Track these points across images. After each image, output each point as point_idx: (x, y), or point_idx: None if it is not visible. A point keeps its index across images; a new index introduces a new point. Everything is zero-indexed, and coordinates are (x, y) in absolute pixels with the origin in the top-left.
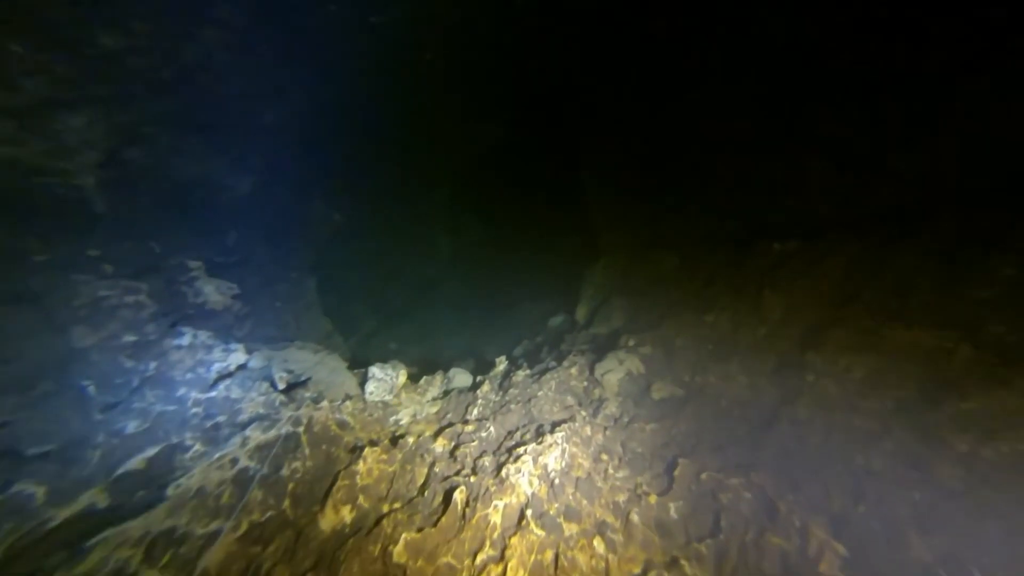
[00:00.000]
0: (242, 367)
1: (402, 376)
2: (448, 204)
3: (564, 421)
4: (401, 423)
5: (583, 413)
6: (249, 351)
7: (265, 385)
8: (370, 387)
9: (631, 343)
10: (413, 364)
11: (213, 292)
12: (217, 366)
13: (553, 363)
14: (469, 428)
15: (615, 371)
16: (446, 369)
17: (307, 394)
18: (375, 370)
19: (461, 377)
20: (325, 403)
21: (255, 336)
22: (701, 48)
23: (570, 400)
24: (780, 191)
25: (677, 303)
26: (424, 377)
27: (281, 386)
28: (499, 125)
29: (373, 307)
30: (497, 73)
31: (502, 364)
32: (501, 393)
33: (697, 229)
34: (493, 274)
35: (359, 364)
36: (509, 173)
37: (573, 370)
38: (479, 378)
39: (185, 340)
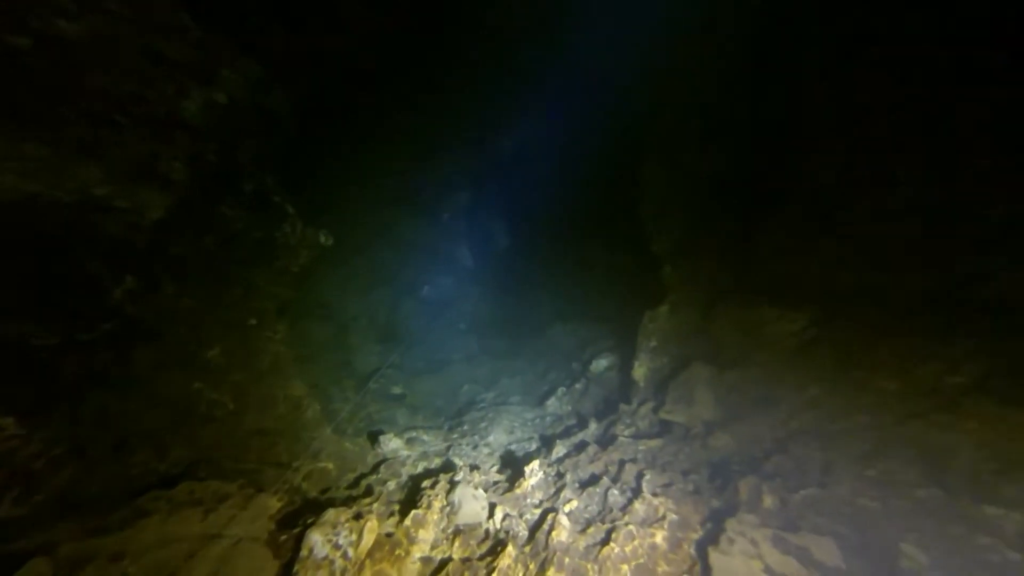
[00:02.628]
0: None
1: (369, 533)
2: (471, 209)
3: None
4: None
5: None
6: None
7: None
8: None
9: (766, 501)
10: (418, 412)
11: None
12: None
13: (616, 493)
14: None
15: None
16: (448, 472)
17: None
18: (316, 540)
19: (469, 507)
20: None
21: (58, 507)
22: None
23: None
24: None
25: (845, 424)
26: (412, 512)
27: None
28: (533, 118)
29: (377, 338)
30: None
31: (533, 477)
32: (534, 569)
33: (845, 277)
34: (521, 290)
35: (334, 437)
36: (542, 170)
37: (659, 538)
38: (499, 518)
39: None
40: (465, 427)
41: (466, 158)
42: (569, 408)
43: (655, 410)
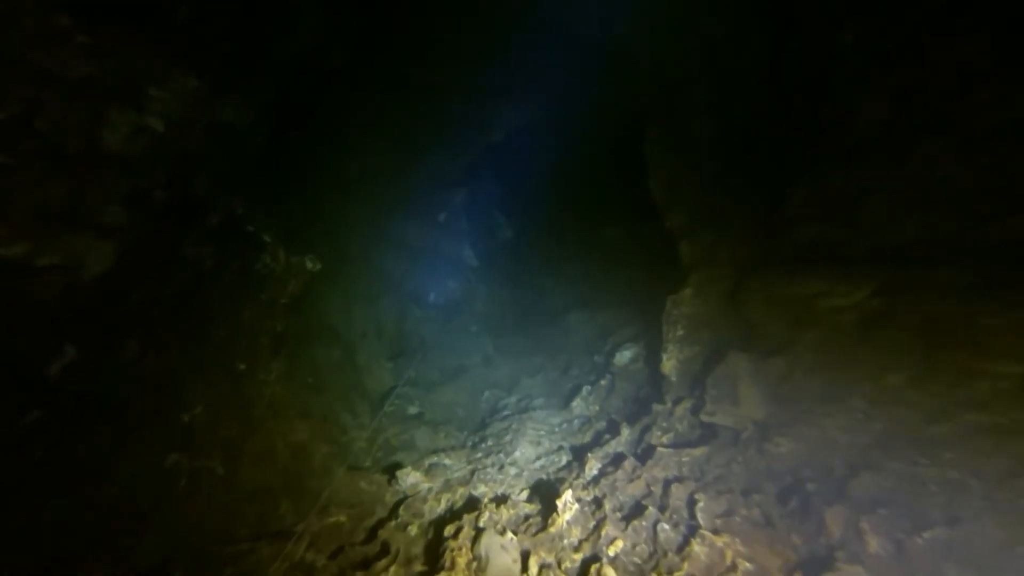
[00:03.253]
0: None
1: None
2: (469, 204)
3: None
4: None
5: None
6: None
7: None
8: None
9: (872, 544)
10: (438, 430)
11: None
12: None
13: (667, 527)
14: None
15: None
16: (472, 511)
17: None
18: None
19: (499, 560)
20: None
21: None
22: None
23: None
24: None
25: (952, 425)
26: None
27: None
28: (524, 98)
29: (387, 354)
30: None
31: (568, 511)
32: None
33: (916, 231)
34: (531, 282)
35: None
36: (541, 154)
37: None
38: (534, 572)
39: None
40: (489, 443)
41: (459, 151)
42: (597, 408)
43: (694, 410)
